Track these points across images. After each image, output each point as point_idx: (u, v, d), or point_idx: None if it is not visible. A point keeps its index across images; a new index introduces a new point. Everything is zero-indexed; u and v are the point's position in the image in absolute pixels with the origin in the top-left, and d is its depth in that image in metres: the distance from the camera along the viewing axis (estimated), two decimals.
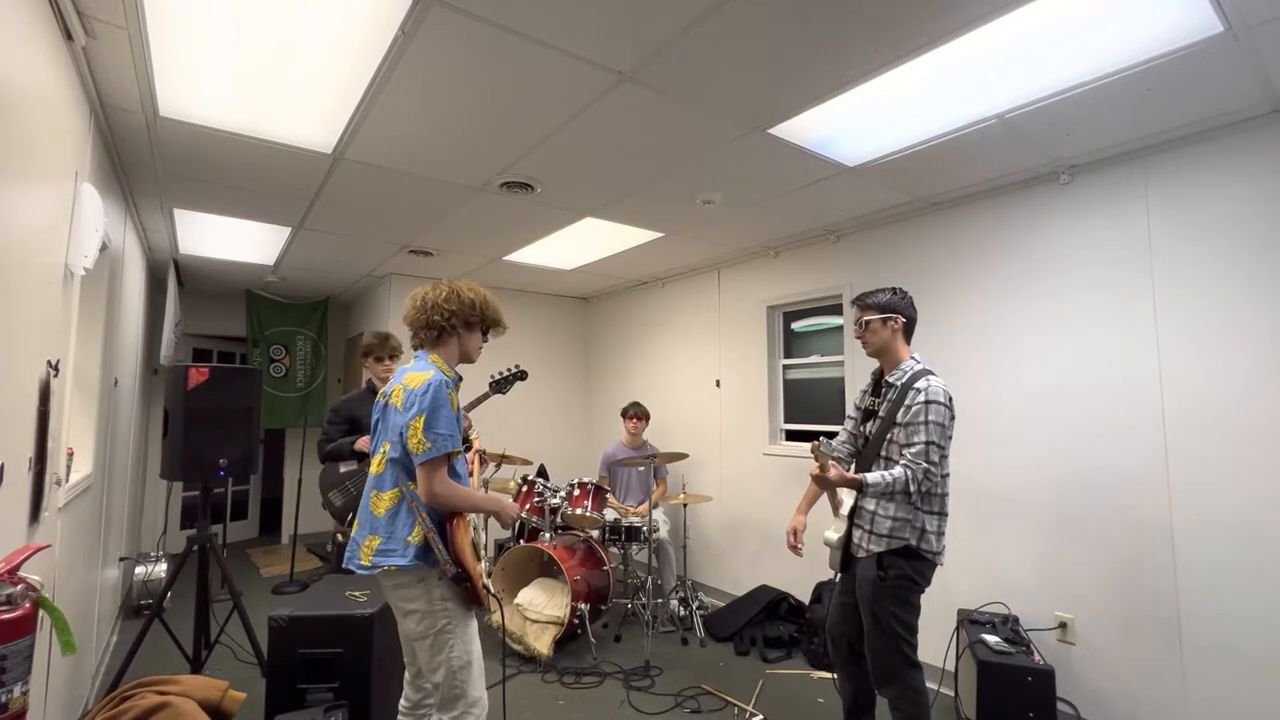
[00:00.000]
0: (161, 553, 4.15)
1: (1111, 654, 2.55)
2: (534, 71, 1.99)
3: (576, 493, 3.88)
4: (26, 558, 1.16)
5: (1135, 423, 2.53)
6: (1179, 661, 2.37)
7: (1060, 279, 2.78)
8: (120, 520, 3.67)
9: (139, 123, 2.36)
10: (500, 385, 3.23)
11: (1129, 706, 2.49)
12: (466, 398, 2.94)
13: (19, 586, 1.11)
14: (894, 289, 2.27)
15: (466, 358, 1.94)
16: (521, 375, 3.28)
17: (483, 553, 1.87)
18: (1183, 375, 2.42)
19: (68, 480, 2.07)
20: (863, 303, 2.28)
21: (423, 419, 1.68)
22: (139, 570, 3.95)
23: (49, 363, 1.68)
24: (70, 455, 2.14)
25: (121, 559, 3.78)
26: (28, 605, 1.10)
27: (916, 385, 2.10)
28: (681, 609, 3.90)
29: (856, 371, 3.58)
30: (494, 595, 1.89)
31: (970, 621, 2.69)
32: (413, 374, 1.78)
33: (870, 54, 1.90)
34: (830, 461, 2.07)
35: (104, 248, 2.49)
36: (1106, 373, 2.62)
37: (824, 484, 2.13)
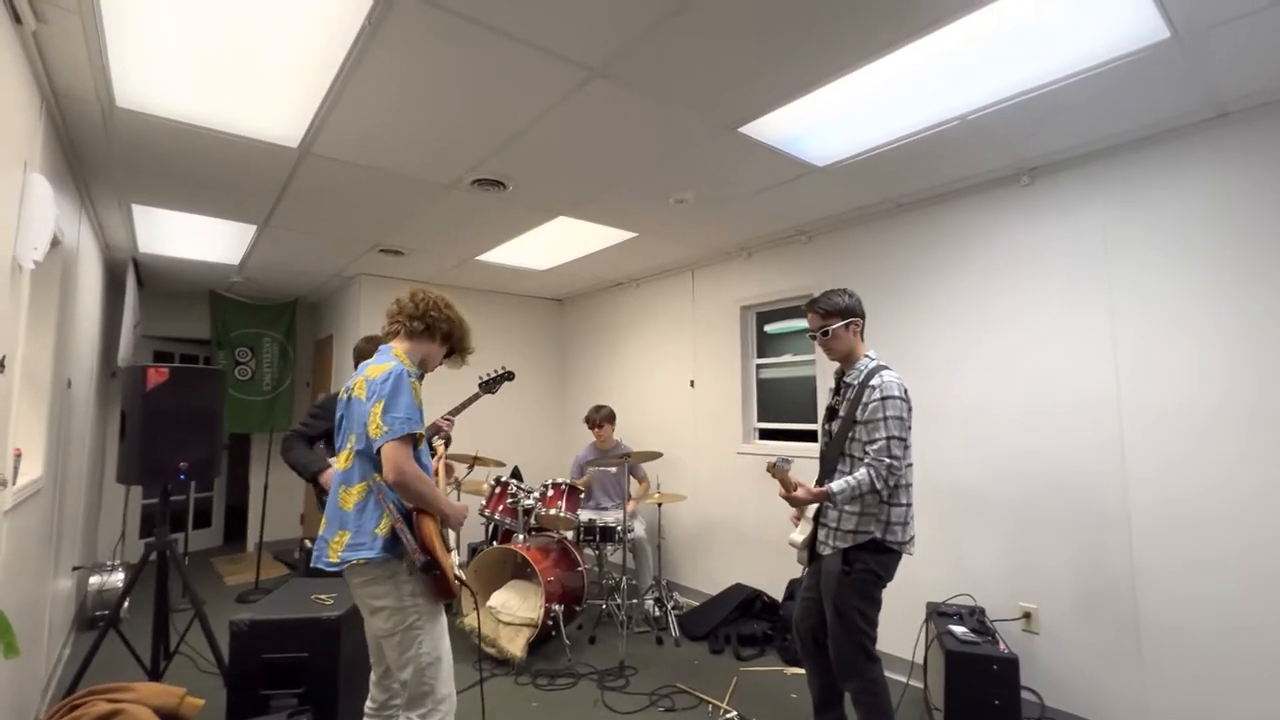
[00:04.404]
0: (118, 561, 4.00)
1: (1072, 641, 2.62)
2: (503, 65, 1.98)
3: (550, 493, 3.85)
4: None
5: (1093, 418, 2.61)
6: (1136, 646, 2.45)
7: (1022, 278, 2.86)
8: (74, 528, 3.53)
9: (94, 113, 2.29)
10: (489, 385, 3.22)
11: (1089, 691, 2.56)
12: (452, 401, 2.91)
13: None
14: (845, 291, 2.27)
15: (424, 364, 1.97)
16: (509, 376, 3.27)
17: (452, 545, 1.85)
18: (1137, 372, 2.50)
19: (15, 482, 1.98)
20: (822, 309, 2.25)
21: (381, 404, 1.70)
22: (93, 580, 3.80)
23: None
24: (18, 456, 2.05)
25: (75, 568, 3.63)
26: None
27: (872, 383, 2.14)
28: (657, 609, 3.90)
29: (827, 370, 3.61)
30: (465, 584, 1.88)
31: (938, 614, 2.74)
32: (375, 366, 1.80)
33: (836, 53, 1.94)
34: (797, 481, 2.12)
35: (56, 243, 2.40)
36: (1066, 370, 2.70)
37: (794, 503, 2.19)
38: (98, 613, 3.74)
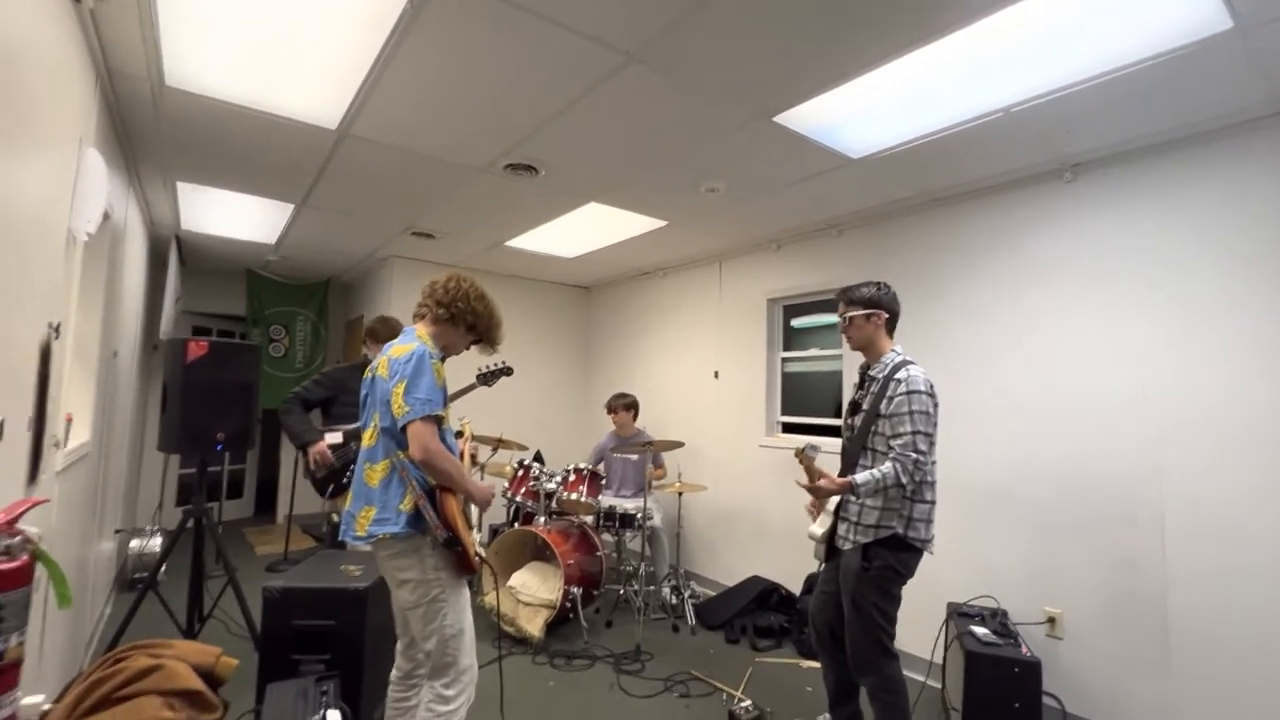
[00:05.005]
0: (156, 527, 4.15)
1: (1098, 648, 2.57)
2: (541, 49, 1.98)
3: (572, 478, 3.90)
4: (25, 510, 1.16)
5: (1128, 420, 2.54)
6: (1165, 652, 2.39)
7: (1059, 277, 2.79)
8: (116, 493, 3.68)
9: (144, 91, 2.36)
10: (487, 378, 3.27)
11: (1113, 698, 2.51)
12: (452, 386, 2.98)
13: (17, 538, 1.12)
14: (878, 284, 2.28)
15: (447, 350, 1.99)
16: (508, 371, 3.32)
17: (474, 523, 1.89)
18: (1175, 375, 2.43)
19: (66, 444, 2.08)
20: (847, 297, 2.30)
21: (404, 384, 1.74)
22: (134, 543, 3.95)
23: (50, 325, 1.68)
24: (69, 421, 2.14)
25: (117, 531, 3.79)
26: (25, 557, 1.10)
27: (897, 376, 2.11)
28: (673, 597, 3.92)
29: (853, 365, 3.57)
30: (486, 562, 1.92)
31: (959, 614, 2.71)
32: (399, 346, 1.84)
33: (877, 41, 1.90)
34: (822, 471, 2.10)
35: (106, 217, 2.49)
36: (1101, 371, 2.63)
37: (817, 493, 2.17)
38: (137, 575, 3.89)
